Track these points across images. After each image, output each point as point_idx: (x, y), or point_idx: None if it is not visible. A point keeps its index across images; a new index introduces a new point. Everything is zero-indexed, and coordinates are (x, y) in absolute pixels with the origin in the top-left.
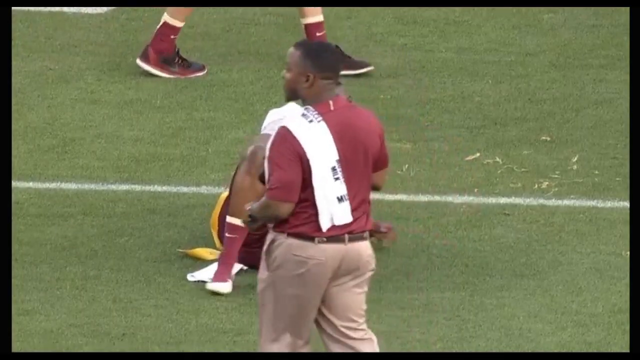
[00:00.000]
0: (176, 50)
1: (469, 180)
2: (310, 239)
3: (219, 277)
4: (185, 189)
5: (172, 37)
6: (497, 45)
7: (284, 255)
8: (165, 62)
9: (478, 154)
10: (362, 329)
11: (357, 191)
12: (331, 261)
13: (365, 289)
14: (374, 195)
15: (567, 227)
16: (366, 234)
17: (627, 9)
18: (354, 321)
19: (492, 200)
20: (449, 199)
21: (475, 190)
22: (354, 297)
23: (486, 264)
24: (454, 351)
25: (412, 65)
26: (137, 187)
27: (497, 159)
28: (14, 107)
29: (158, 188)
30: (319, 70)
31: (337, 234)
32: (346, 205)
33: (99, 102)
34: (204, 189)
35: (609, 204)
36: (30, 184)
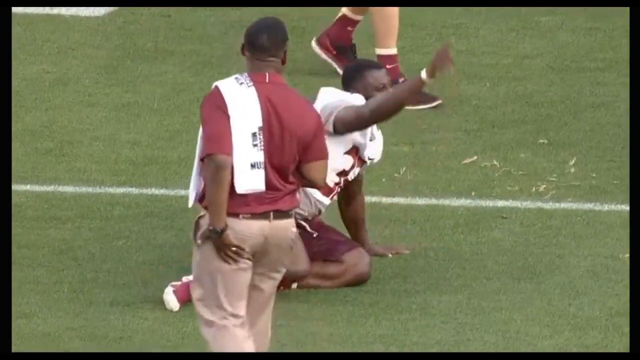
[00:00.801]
0: (352, 44)
1: (466, 183)
2: (235, 215)
3: None
4: (182, 192)
5: (349, 28)
6: (495, 48)
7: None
8: (339, 49)
9: (475, 157)
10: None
11: (280, 167)
12: (255, 237)
13: (285, 264)
14: (370, 199)
15: (564, 230)
16: (291, 212)
17: (625, 11)
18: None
19: (489, 203)
20: (447, 202)
21: (473, 193)
22: (272, 277)
23: (484, 267)
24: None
25: (410, 68)
26: (135, 190)
27: (495, 162)
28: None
29: (155, 191)
30: (251, 51)
31: (262, 212)
32: (260, 173)
33: (97, 105)
34: None
35: (606, 207)
36: (28, 187)
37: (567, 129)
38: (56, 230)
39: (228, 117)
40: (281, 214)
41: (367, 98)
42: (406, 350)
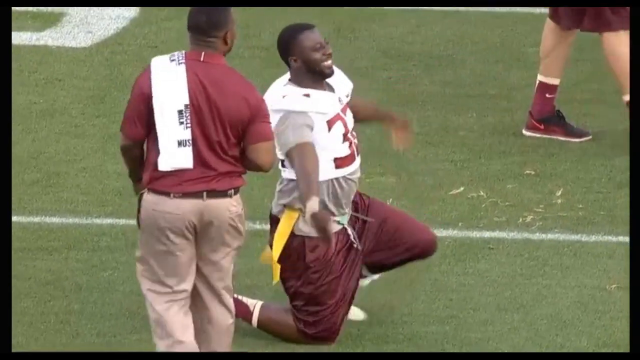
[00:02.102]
0: (556, 110)
1: (453, 214)
2: (166, 194)
3: None
4: None
5: (548, 95)
6: (481, 78)
7: (145, 210)
8: (545, 121)
9: (462, 188)
10: (221, 302)
11: (212, 145)
12: (189, 216)
13: (231, 246)
14: None
15: (551, 261)
16: (230, 192)
17: None
18: (220, 287)
19: (476, 234)
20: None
21: (460, 224)
22: (219, 259)
23: (470, 298)
24: None
25: (396, 98)
26: (121, 221)
27: (482, 193)
28: None
29: None
30: (191, 30)
31: (194, 190)
32: (187, 151)
33: (84, 135)
34: None
35: (593, 238)
36: (14, 218)
37: (553, 160)
38: (43, 262)
39: (149, 97)
40: (217, 194)
41: (306, 61)
42: None
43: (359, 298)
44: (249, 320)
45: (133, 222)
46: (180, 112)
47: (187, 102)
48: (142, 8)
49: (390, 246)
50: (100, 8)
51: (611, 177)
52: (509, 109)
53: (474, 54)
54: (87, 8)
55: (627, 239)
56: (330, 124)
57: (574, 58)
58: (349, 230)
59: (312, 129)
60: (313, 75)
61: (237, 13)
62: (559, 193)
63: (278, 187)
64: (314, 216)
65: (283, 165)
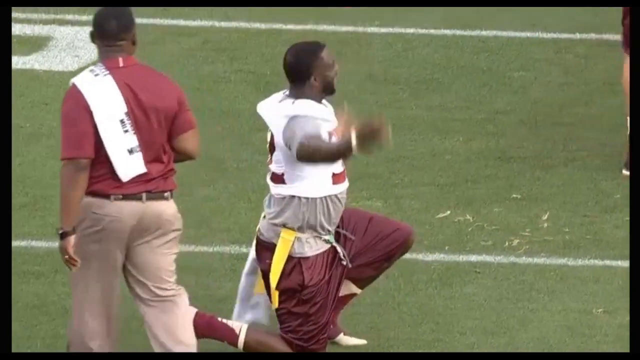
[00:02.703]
0: None
1: (439, 238)
2: (107, 196)
3: None
4: None
5: None
6: (468, 103)
7: (84, 213)
8: None
9: (449, 212)
10: (172, 288)
11: (152, 147)
12: (128, 219)
13: (175, 250)
14: None
15: (537, 285)
16: (167, 194)
17: (598, 66)
18: (164, 281)
19: (462, 258)
20: (420, 256)
21: (446, 247)
22: (162, 257)
23: (457, 321)
24: None
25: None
26: None
27: (468, 217)
28: None
29: None
30: (101, 38)
31: (133, 192)
32: (138, 157)
33: None
34: None
35: (579, 261)
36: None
37: (540, 184)
38: (29, 285)
39: (91, 114)
40: (156, 195)
41: (325, 79)
42: None
43: (345, 323)
44: (235, 343)
45: None
46: (121, 121)
47: (126, 109)
48: None
49: (374, 243)
50: (86, 32)
51: (597, 201)
52: (495, 133)
53: (460, 78)
54: (73, 32)
55: (613, 262)
56: (330, 136)
57: (561, 82)
58: (338, 248)
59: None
60: (323, 94)
61: (224, 37)
62: (545, 217)
63: (270, 210)
64: (361, 133)
65: (280, 181)
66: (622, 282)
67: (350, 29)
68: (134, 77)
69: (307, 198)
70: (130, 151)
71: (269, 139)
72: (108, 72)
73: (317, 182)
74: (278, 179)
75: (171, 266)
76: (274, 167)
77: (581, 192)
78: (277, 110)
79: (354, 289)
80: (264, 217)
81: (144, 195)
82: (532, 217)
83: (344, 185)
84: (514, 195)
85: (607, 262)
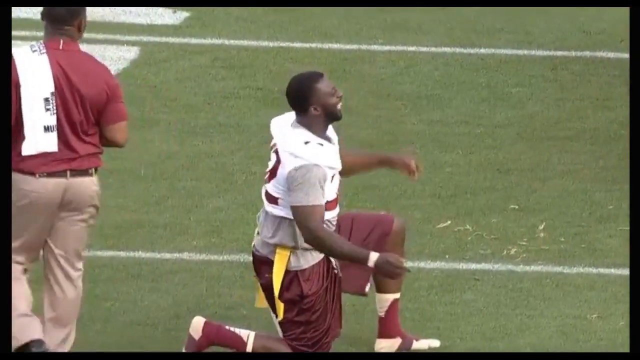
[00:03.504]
0: None
1: (440, 247)
2: (32, 174)
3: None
4: (168, 255)
5: None
6: (467, 117)
7: (13, 188)
8: None
9: (449, 222)
10: (79, 270)
11: (76, 128)
12: (52, 194)
13: (91, 222)
14: None
15: (534, 292)
16: (91, 171)
17: (591, 83)
18: (77, 257)
19: (462, 265)
20: (422, 264)
21: (447, 256)
22: (80, 230)
23: (457, 327)
24: None
25: (385, 136)
26: (122, 254)
27: (468, 227)
28: None
29: (142, 254)
30: (48, 20)
31: (58, 170)
32: (52, 136)
33: None
34: (186, 255)
35: (574, 270)
36: None
37: (536, 196)
38: (44, 293)
39: (17, 87)
40: (79, 173)
41: (325, 107)
42: None
43: (349, 327)
44: (243, 350)
45: (133, 254)
46: (46, 99)
47: (53, 89)
48: (142, 50)
49: (361, 244)
50: (101, 50)
51: (591, 212)
52: (494, 147)
53: (460, 93)
54: (89, 50)
55: (606, 270)
56: (332, 178)
57: (557, 97)
58: (331, 258)
59: (324, 184)
60: (327, 120)
61: (233, 55)
62: (541, 227)
63: (264, 228)
64: (382, 264)
65: (274, 203)
66: (615, 289)
67: (354, 47)
68: (70, 60)
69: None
70: (47, 129)
71: (272, 159)
72: (45, 51)
73: None
74: (273, 199)
75: (80, 247)
76: (271, 189)
77: (576, 203)
78: (286, 138)
79: (389, 296)
80: (258, 233)
81: (68, 172)
82: (529, 227)
83: (336, 211)
84: (512, 206)
85: (601, 270)
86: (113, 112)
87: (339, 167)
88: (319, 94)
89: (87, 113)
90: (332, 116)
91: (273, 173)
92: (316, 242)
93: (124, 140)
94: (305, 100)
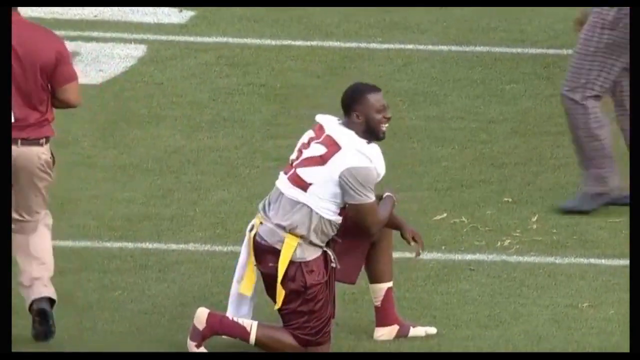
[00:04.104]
0: None
1: (437, 238)
2: None
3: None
4: (174, 246)
5: None
6: (463, 113)
7: None
8: None
9: (445, 214)
10: (33, 221)
11: (29, 98)
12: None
13: (44, 191)
14: None
15: (527, 282)
16: (42, 140)
17: None
18: (33, 212)
19: (458, 256)
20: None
21: (443, 247)
22: (34, 197)
23: (453, 315)
24: None
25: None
26: (130, 245)
27: (463, 219)
28: None
29: (149, 245)
30: None
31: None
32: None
33: (95, 166)
34: (191, 246)
35: (566, 260)
36: None
37: (529, 189)
38: (57, 282)
39: None
40: (30, 142)
41: (368, 119)
42: None
43: (348, 316)
44: (247, 340)
45: (141, 245)
46: None
47: None
48: (149, 48)
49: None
50: (110, 48)
51: None
52: (489, 141)
53: (456, 90)
54: (98, 48)
55: (597, 260)
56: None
57: (549, 94)
58: (329, 251)
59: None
60: (366, 133)
61: (237, 53)
62: (534, 219)
63: (275, 212)
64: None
65: (301, 187)
66: (605, 279)
67: (354, 45)
68: (16, 31)
69: (317, 213)
70: None
71: (315, 148)
72: None
73: (329, 207)
74: (301, 184)
75: (39, 204)
76: (307, 173)
77: (568, 196)
78: (344, 133)
79: (383, 285)
80: (261, 223)
81: (19, 141)
82: (523, 218)
83: (342, 217)
84: (506, 199)
85: (592, 260)
86: (61, 74)
87: (383, 169)
88: (366, 104)
89: (36, 81)
90: (372, 131)
91: (316, 160)
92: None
93: (76, 101)
94: (352, 103)
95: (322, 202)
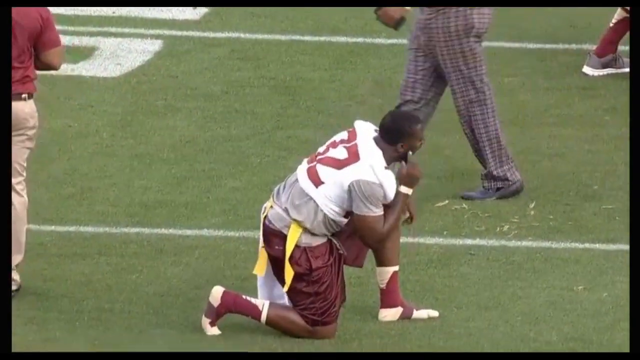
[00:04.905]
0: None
1: (439, 224)
2: None
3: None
4: (188, 232)
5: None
6: None
7: None
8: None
9: (447, 201)
10: (20, 182)
11: (15, 58)
12: None
13: (29, 145)
14: None
15: (525, 265)
16: (25, 95)
17: (577, 73)
18: (17, 173)
19: (459, 241)
20: (422, 240)
21: (445, 232)
22: (18, 150)
23: (454, 297)
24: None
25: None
26: (147, 230)
27: (464, 206)
28: (38, 159)
29: (165, 231)
30: None
31: None
32: None
33: (113, 155)
34: (205, 232)
35: (562, 245)
36: (53, 228)
37: (527, 176)
38: (77, 266)
39: None
40: (14, 96)
41: (411, 148)
42: None
43: (354, 298)
44: (258, 318)
45: (157, 231)
46: None
47: None
48: (165, 42)
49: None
50: (128, 42)
51: (578, 191)
52: None
53: None
54: (116, 43)
55: (591, 245)
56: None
57: (546, 86)
58: (333, 239)
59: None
60: (399, 158)
61: (248, 47)
62: (532, 205)
63: (293, 198)
64: (408, 180)
65: (314, 181)
66: (599, 263)
67: (360, 40)
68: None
69: (322, 211)
70: None
71: (341, 151)
72: None
73: (335, 208)
74: (315, 179)
75: (23, 161)
76: (324, 172)
77: (564, 184)
78: (371, 150)
79: (390, 269)
80: (272, 207)
81: None
82: (521, 205)
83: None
84: None
85: (587, 245)
86: (47, 40)
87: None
88: (414, 137)
89: (23, 46)
90: (405, 157)
91: (335, 163)
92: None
93: (59, 64)
94: (400, 136)
95: (329, 202)
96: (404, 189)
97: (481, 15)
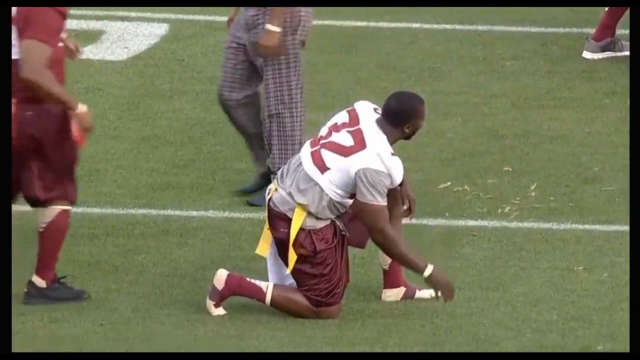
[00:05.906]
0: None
1: (441, 206)
2: None
3: None
4: (194, 213)
5: None
6: (466, 88)
7: None
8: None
9: (449, 183)
10: None
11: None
12: None
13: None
14: None
15: (526, 246)
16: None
17: (578, 57)
18: None
19: (461, 223)
20: (424, 221)
21: (447, 214)
22: None
23: (456, 278)
24: (429, 352)
25: None
26: (153, 212)
27: (466, 187)
28: None
29: (171, 212)
30: None
31: None
32: None
33: (120, 137)
34: (211, 213)
35: (562, 226)
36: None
37: (528, 159)
38: (85, 247)
39: None
40: None
41: (415, 129)
42: (389, 350)
43: (358, 278)
44: (263, 300)
45: (163, 212)
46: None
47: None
48: (172, 26)
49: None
50: (135, 26)
51: (578, 173)
52: (490, 115)
53: (459, 66)
54: (123, 27)
55: (591, 227)
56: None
57: (547, 70)
58: (337, 222)
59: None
60: (401, 139)
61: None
62: (533, 187)
63: (298, 182)
64: (435, 281)
65: (319, 166)
66: (600, 244)
67: (363, 23)
68: None
69: (327, 195)
70: None
71: (345, 137)
72: None
73: (340, 192)
74: (321, 165)
75: None
76: (329, 158)
77: (564, 166)
78: (374, 136)
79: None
80: (276, 190)
81: None
82: (522, 187)
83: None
84: (506, 168)
85: (587, 227)
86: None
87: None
88: (420, 117)
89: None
90: (409, 137)
91: (341, 149)
92: (385, 240)
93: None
94: (407, 118)
95: (334, 187)
96: (426, 273)
97: (306, 13)
